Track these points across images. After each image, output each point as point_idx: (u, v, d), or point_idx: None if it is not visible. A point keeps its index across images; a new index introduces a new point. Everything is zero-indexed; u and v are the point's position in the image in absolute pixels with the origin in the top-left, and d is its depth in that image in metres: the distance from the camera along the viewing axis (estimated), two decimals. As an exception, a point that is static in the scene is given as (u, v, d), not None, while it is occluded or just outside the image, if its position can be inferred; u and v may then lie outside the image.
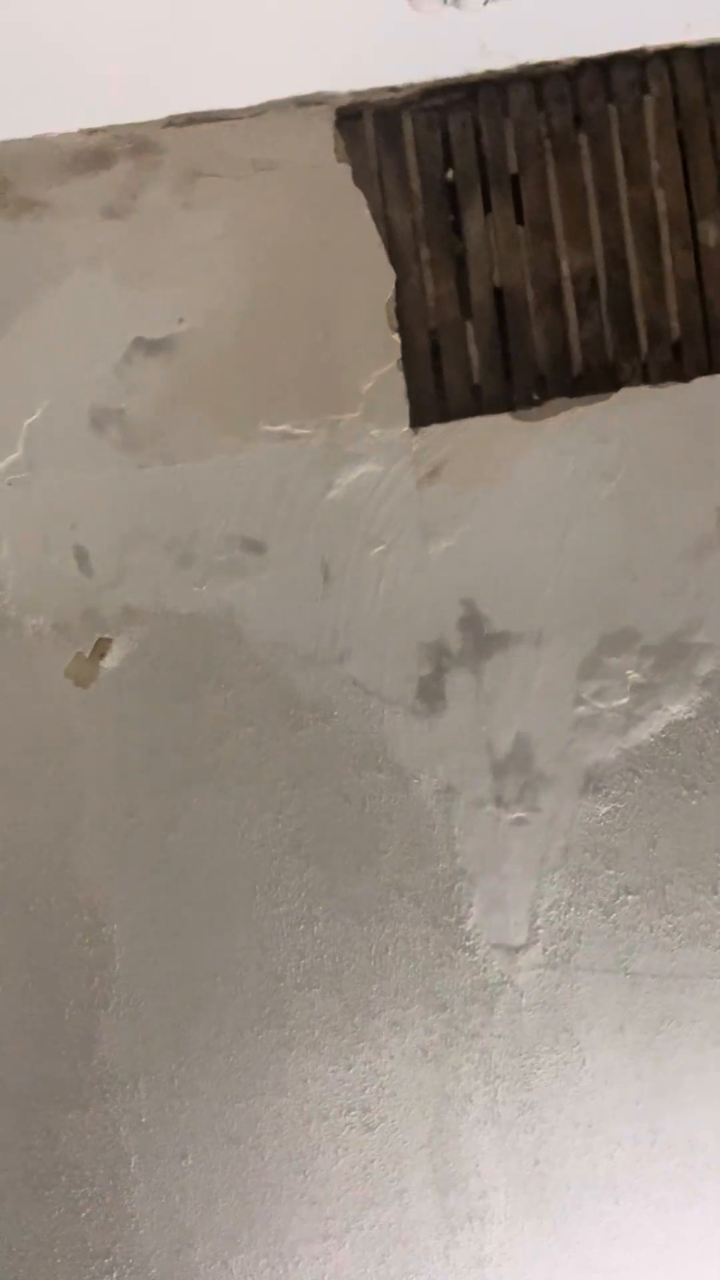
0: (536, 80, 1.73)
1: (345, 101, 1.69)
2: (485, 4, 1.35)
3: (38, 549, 1.69)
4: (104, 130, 1.66)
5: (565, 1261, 1.80)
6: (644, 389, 1.75)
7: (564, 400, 1.75)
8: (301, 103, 1.68)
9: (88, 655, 1.71)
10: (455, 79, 1.71)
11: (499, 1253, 1.79)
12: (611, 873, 1.79)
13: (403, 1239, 1.78)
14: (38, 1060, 1.73)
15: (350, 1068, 1.77)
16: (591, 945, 1.79)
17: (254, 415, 1.71)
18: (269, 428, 1.71)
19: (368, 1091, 1.77)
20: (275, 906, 1.75)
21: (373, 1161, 1.78)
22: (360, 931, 1.76)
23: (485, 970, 1.78)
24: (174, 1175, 1.75)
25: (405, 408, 1.73)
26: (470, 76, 1.71)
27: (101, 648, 1.71)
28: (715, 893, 1.80)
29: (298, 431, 1.72)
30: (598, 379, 1.75)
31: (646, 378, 1.76)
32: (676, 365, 1.76)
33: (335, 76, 1.66)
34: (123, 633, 1.71)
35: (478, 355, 1.75)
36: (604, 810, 1.79)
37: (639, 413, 1.76)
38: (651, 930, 1.79)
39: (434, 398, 1.74)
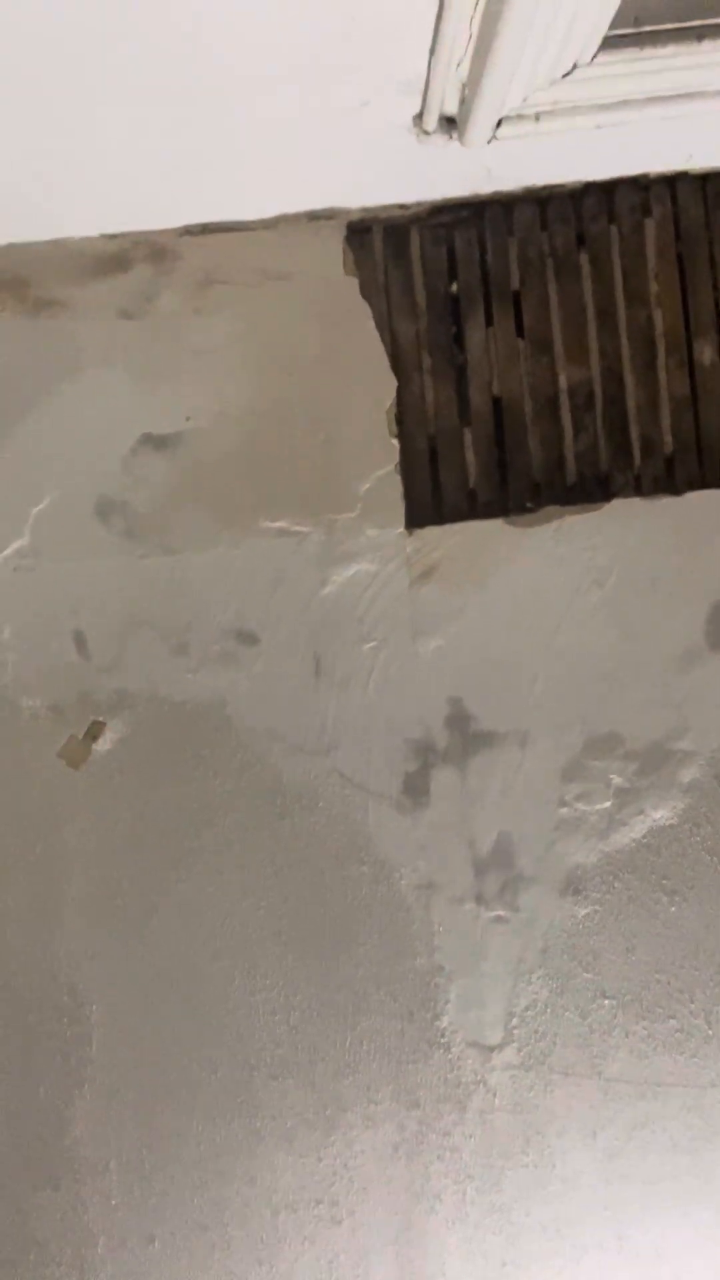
0: (541, 200, 1.80)
1: (356, 217, 1.76)
2: (489, 142, 1.41)
3: (39, 633, 1.74)
4: (123, 236, 1.74)
5: None
6: (636, 500, 1.80)
7: (557, 508, 1.79)
8: (314, 216, 1.75)
9: (81, 737, 1.75)
10: (462, 198, 1.78)
11: None
12: (589, 976, 1.80)
13: (366, 1338, 1.77)
14: (10, 1137, 1.75)
15: (321, 1160, 1.77)
16: (566, 1048, 1.80)
17: (254, 511, 1.76)
18: (268, 524, 1.76)
19: (337, 1185, 1.78)
20: (253, 994, 1.77)
21: (339, 1255, 1.77)
22: (336, 1023, 1.78)
23: (459, 1069, 1.79)
24: (141, 1259, 1.75)
25: (402, 509, 1.78)
26: (477, 196, 1.78)
27: (95, 730, 1.75)
28: (692, 1000, 1.80)
29: (296, 528, 1.77)
30: (591, 489, 1.80)
31: (639, 489, 1.80)
32: (669, 478, 1.81)
33: (347, 193, 1.73)
34: (116, 717, 1.75)
35: (475, 462, 1.80)
36: (584, 913, 1.80)
37: (631, 523, 1.80)
38: (627, 1036, 1.80)
39: (430, 501, 1.79)
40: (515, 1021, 1.79)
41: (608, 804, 1.81)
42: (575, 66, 1.24)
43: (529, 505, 1.80)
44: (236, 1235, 1.76)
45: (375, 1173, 1.78)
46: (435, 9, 1.15)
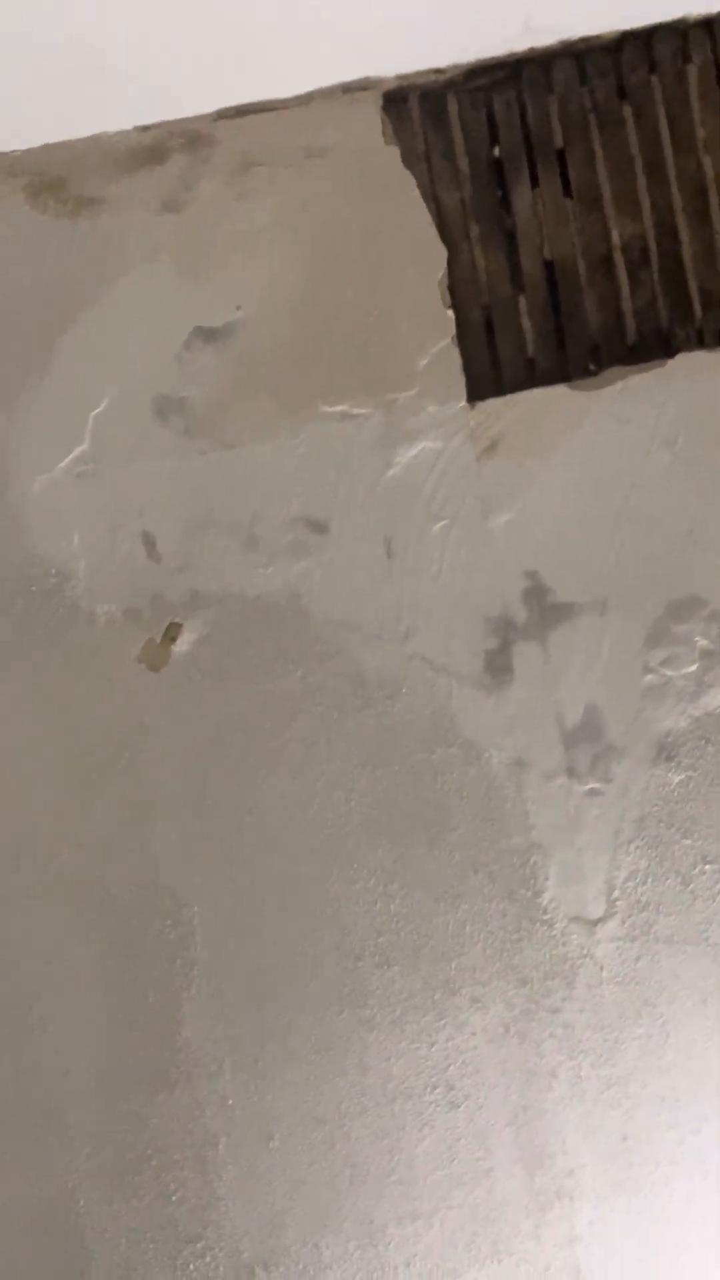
0: (579, 55, 1.75)
1: (391, 85, 1.72)
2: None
3: (106, 538, 1.73)
4: (157, 126, 1.71)
5: (656, 1238, 1.78)
6: (700, 354, 1.76)
7: (619, 369, 1.75)
8: (348, 89, 1.71)
9: (159, 640, 1.73)
10: (498, 58, 1.73)
11: (589, 1231, 1.77)
12: (689, 842, 1.78)
13: (491, 1218, 1.77)
14: (123, 1045, 1.75)
15: (433, 1045, 1.76)
16: (671, 916, 1.78)
17: (312, 397, 1.73)
18: (327, 409, 1.74)
19: (451, 1069, 1.77)
20: (351, 885, 1.76)
21: (459, 1140, 1.77)
22: (436, 908, 1.76)
23: (564, 944, 1.77)
24: (262, 1157, 1.75)
25: (461, 383, 1.74)
26: (513, 55, 1.73)
27: (172, 632, 1.73)
28: None
29: (356, 411, 1.74)
30: (653, 346, 1.76)
31: (702, 342, 1.76)
32: (732, 329, 1.77)
33: (380, 61, 1.69)
34: (193, 617, 1.74)
35: (531, 328, 1.76)
36: (677, 779, 1.78)
37: (696, 377, 1.76)
38: (732, 899, 1.78)
39: (489, 372, 1.75)
40: (617, 893, 1.78)
41: (694, 667, 1.78)
42: None
43: (591, 368, 1.76)
44: (354, 1127, 1.76)
45: (488, 1054, 1.77)
46: None
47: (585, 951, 1.77)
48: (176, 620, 1.74)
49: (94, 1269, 1.73)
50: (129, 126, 1.70)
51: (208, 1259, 1.75)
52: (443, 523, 1.75)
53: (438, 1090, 1.77)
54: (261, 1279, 1.74)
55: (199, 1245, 1.75)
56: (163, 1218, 1.75)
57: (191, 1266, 1.74)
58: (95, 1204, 1.75)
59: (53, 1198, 1.73)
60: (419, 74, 1.72)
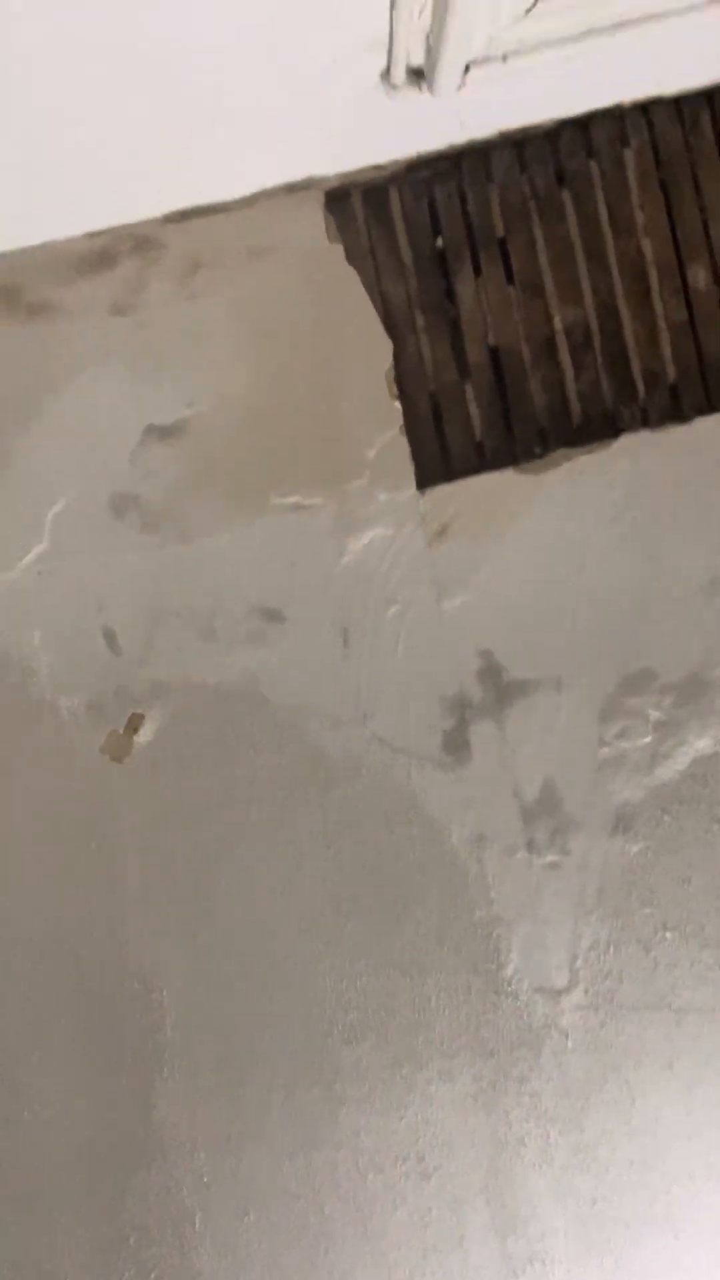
0: (517, 144, 1.79)
1: (333, 184, 1.76)
2: (459, 89, 1.40)
3: (69, 633, 1.77)
4: (106, 232, 1.74)
5: (630, 1301, 1.81)
6: (644, 433, 1.79)
7: (566, 451, 1.79)
8: (292, 189, 1.75)
9: (121, 731, 1.77)
10: (437, 151, 1.77)
11: (563, 1295, 1.81)
12: (649, 910, 1.81)
13: (467, 1285, 1.80)
14: (99, 1126, 1.79)
15: (402, 1119, 1.80)
16: (634, 984, 1.81)
17: (265, 489, 1.77)
18: (280, 500, 1.77)
19: (421, 1141, 1.80)
20: (318, 963, 1.80)
21: (431, 1210, 1.80)
22: (403, 983, 1.80)
23: (530, 1015, 1.81)
24: (238, 1233, 1.79)
25: (411, 470, 1.78)
26: (452, 148, 1.77)
27: (134, 723, 1.77)
28: (753, 925, 1.81)
29: (308, 501, 1.78)
30: (598, 427, 1.79)
31: (646, 422, 1.80)
32: (675, 407, 1.80)
33: (322, 161, 1.73)
34: (154, 707, 1.78)
35: (478, 414, 1.79)
36: (636, 849, 1.81)
37: (641, 456, 1.79)
38: (693, 965, 1.81)
39: (438, 458, 1.79)
40: (580, 963, 1.81)
41: (648, 739, 1.81)
42: (537, 1, 1.23)
43: (538, 451, 1.79)
44: (328, 1200, 1.80)
45: (457, 1125, 1.81)
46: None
47: (550, 1021, 1.81)
48: (138, 711, 1.77)
49: (75, 1349, 1.77)
50: (79, 233, 1.73)
51: (188, 1334, 1.79)
52: (397, 607, 1.79)
53: (409, 1162, 1.81)
54: None
55: (179, 1321, 1.79)
56: (143, 1294, 1.79)
57: (171, 1344, 1.78)
58: None
59: (34, 1278, 1.77)
60: (360, 171, 1.76)
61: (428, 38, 1.30)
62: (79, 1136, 1.78)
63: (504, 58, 1.34)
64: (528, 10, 1.25)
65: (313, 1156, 1.79)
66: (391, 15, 1.26)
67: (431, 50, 1.30)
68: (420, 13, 1.23)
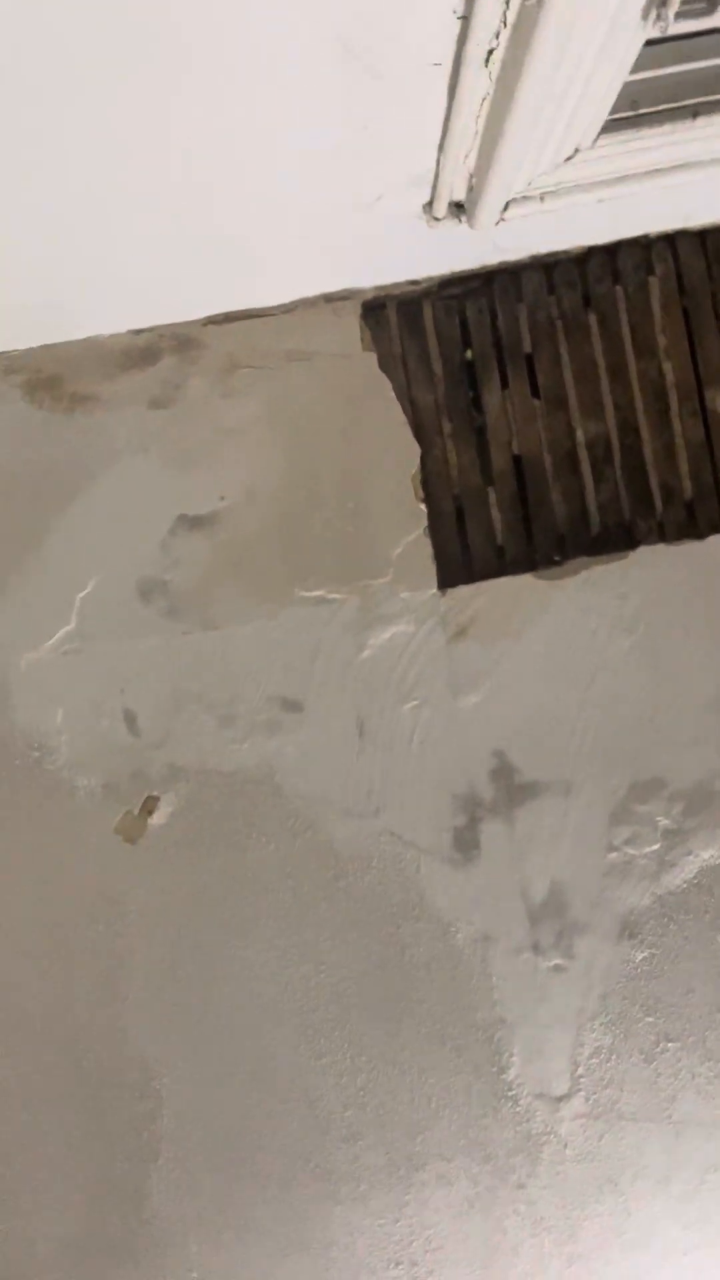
0: (547, 267, 1.87)
1: (370, 295, 1.84)
2: (497, 224, 1.48)
3: (90, 714, 1.79)
4: (150, 330, 1.81)
5: None
6: (660, 547, 1.84)
7: (584, 559, 1.84)
8: (330, 298, 1.82)
9: (136, 813, 1.79)
10: (470, 270, 1.85)
11: None
12: (651, 1020, 1.81)
13: None
14: (90, 1216, 1.76)
15: (397, 1221, 1.78)
16: (634, 1094, 1.80)
17: (290, 582, 1.81)
18: (304, 593, 1.82)
19: (415, 1244, 1.78)
20: (319, 1058, 1.79)
21: (421, 1318, 1.77)
22: (403, 1082, 1.79)
23: (529, 1121, 1.80)
24: (223, 1334, 1.75)
25: (433, 571, 1.83)
26: (485, 267, 1.85)
27: (149, 805, 1.79)
28: (755, 1038, 1.81)
29: (332, 596, 1.82)
30: (615, 538, 1.85)
31: (662, 536, 1.85)
32: (691, 523, 1.85)
33: (360, 275, 1.80)
34: (169, 790, 1.80)
35: (500, 519, 1.85)
36: (640, 956, 1.82)
37: (656, 569, 1.84)
38: (694, 1078, 1.80)
39: (460, 560, 1.84)
40: (581, 1070, 1.80)
41: (656, 846, 1.83)
42: (577, 151, 1.30)
43: (556, 558, 1.84)
44: (318, 1303, 1.77)
45: (452, 1230, 1.78)
46: (444, 108, 1.22)
47: (549, 1128, 1.80)
48: (154, 794, 1.79)
49: None
50: (123, 330, 1.80)
51: None
52: (413, 703, 1.82)
53: (401, 1266, 1.78)
54: None
55: None
56: None
57: None
58: None
59: None
60: (396, 285, 1.84)
61: (471, 178, 1.37)
62: (69, 1225, 1.76)
63: (541, 197, 1.42)
64: (568, 158, 1.32)
65: (304, 1256, 1.77)
66: (439, 157, 1.33)
67: (474, 189, 1.38)
68: (466, 157, 1.31)
